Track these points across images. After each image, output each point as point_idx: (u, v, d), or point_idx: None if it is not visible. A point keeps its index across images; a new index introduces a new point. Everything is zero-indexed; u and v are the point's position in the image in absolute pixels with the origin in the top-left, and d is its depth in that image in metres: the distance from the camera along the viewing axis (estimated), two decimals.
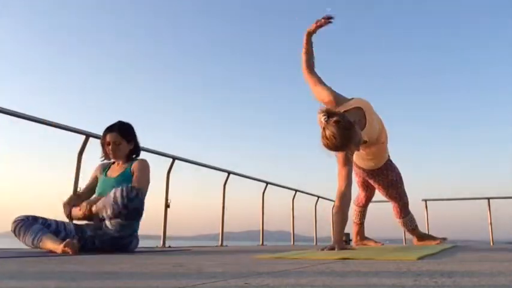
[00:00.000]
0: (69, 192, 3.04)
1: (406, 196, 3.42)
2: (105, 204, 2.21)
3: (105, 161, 2.63)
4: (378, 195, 3.56)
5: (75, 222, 2.41)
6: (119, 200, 2.14)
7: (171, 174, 4.27)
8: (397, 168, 3.33)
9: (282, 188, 6.49)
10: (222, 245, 4.82)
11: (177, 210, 4.33)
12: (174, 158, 4.30)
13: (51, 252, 2.05)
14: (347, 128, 2.27)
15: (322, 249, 2.20)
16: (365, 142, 2.69)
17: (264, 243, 5.86)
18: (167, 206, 4.14)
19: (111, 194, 2.19)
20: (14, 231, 2.24)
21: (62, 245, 2.04)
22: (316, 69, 2.77)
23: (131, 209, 2.16)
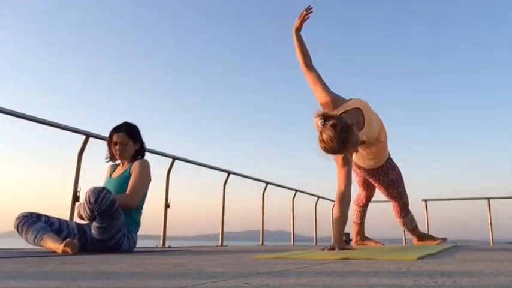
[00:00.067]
0: (69, 192, 3.04)
1: (406, 195, 3.42)
2: (80, 209, 2.21)
3: (116, 162, 2.64)
4: (378, 195, 3.56)
5: (77, 221, 2.41)
6: (87, 204, 2.11)
7: (171, 174, 4.28)
8: (397, 167, 3.33)
9: (282, 188, 6.49)
10: (222, 245, 4.82)
11: (177, 210, 4.33)
12: (174, 158, 4.31)
13: (53, 252, 2.05)
14: (344, 131, 2.26)
15: (322, 249, 2.20)
16: (364, 142, 2.69)
17: (264, 243, 5.86)
18: (167, 206, 4.14)
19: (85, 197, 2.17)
20: (17, 228, 2.25)
21: (62, 245, 2.05)
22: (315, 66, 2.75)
23: (102, 210, 2.10)
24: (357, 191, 3.64)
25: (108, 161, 2.63)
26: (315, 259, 1.60)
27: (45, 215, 2.32)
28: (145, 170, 2.49)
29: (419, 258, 1.56)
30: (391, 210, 3.54)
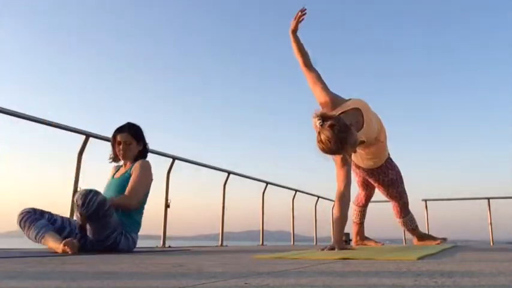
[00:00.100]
0: (69, 192, 3.04)
1: (406, 195, 3.42)
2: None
3: (120, 163, 2.64)
4: (378, 195, 3.56)
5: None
6: (76, 208, 2.11)
7: (171, 174, 4.28)
8: (397, 167, 3.33)
9: (282, 188, 6.49)
10: (222, 245, 4.82)
11: (177, 210, 4.33)
12: (174, 158, 4.30)
13: (55, 253, 2.06)
14: (342, 131, 2.26)
15: (322, 249, 2.20)
16: (363, 142, 2.69)
17: (264, 243, 5.86)
18: (167, 206, 4.14)
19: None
20: (20, 223, 2.25)
21: (61, 244, 2.05)
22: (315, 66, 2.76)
23: (90, 213, 2.09)
24: (356, 191, 3.64)
25: (111, 161, 2.64)
26: (315, 259, 1.60)
27: (48, 212, 2.33)
28: (145, 170, 2.49)
29: (419, 258, 1.56)
30: (391, 210, 3.54)
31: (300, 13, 2.77)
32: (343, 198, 2.45)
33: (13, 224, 2.28)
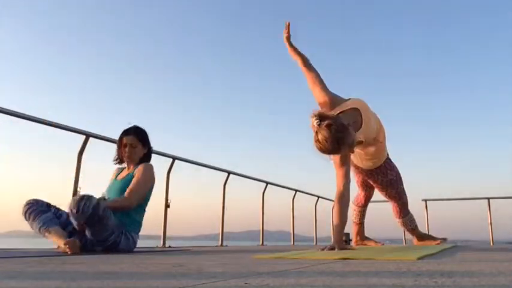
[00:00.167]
0: (69, 192, 3.04)
1: (405, 195, 3.42)
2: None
3: (123, 165, 2.67)
4: (378, 195, 3.56)
5: None
6: (71, 216, 2.11)
7: (171, 174, 4.28)
8: (396, 167, 3.32)
9: (282, 188, 6.49)
10: (222, 245, 4.82)
11: (177, 210, 4.33)
12: (174, 158, 4.30)
13: (57, 248, 2.07)
14: (339, 131, 2.25)
15: (322, 249, 2.20)
16: (361, 142, 2.69)
17: (264, 243, 5.86)
18: (167, 206, 4.14)
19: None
20: (25, 214, 2.25)
21: (63, 242, 2.08)
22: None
23: (87, 218, 2.09)
24: (356, 191, 3.63)
25: (116, 163, 2.67)
26: (315, 259, 1.60)
27: (54, 206, 2.34)
28: (147, 172, 2.51)
29: (419, 258, 1.56)
30: (391, 210, 3.54)
31: (287, 24, 2.85)
32: (343, 198, 2.45)
33: (13, 224, 2.28)
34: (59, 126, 3.08)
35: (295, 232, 6.81)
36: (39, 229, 2.19)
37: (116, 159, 2.65)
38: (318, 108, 2.55)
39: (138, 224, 2.48)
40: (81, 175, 3.17)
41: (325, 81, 2.67)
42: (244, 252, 2.51)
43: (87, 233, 2.19)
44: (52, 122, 3.03)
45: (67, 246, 2.04)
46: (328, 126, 2.24)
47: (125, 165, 2.66)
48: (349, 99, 2.66)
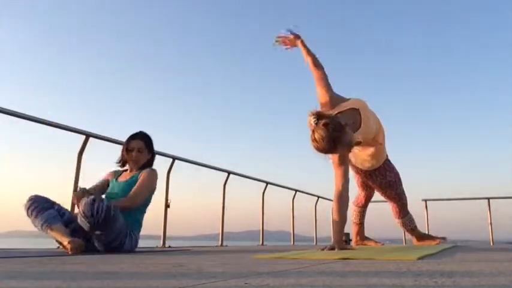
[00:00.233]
0: (69, 192, 3.04)
1: (404, 196, 3.41)
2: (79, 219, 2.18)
3: (119, 169, 2.70)
4: (378, 195, 3.56)
5: None
6: (84, 219, 2.10)
7: (171, 174, 4.28)
8: (395, 169, 3.32)
9: (282, 188, 6.49)
10: (222, 245, 4.82)
11: (177, 210, 4.33)
12: (174, 158, 4.30)
13: (57, 247, 2.07)
14: (336, 131, 2.25)
15: (322, 249, 2.20)
16: (359, 143, 2.69)
17: (264, 243, 5.86)
18: (167, 206, 4.14)
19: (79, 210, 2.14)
20: (27, 210, 2.23)
21: (67, 240, 2.08)
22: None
23: (101, 221, 2.09)
24: (356, 192, 3.63)
25: (119, 165, 2.70)
26: (315, 259, 1.60)
27: (58, 204, 2.34)
28: (151, 177, 2.57)
29: (419, 258, 1.56)
30: (390, 210, 3.54)
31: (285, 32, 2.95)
32: (342, 198, 2.45)
33: (13, 224, 2.28)
34: (59, 126, 3.08)
35: (295, 232, 6.81)
36: (42, 226, 2.18)
37: (119, 162, 2.68)
38: (319, 108, 2.55)
39: (139, 224, 2.50)
40: (81, 175, 3.17)
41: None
42: (244, 252, 2.51)
43: (96, 234, 2.18)
44: (52, 122, 3.03)
45: (71, 245, 2.04)
46: (325, 125, 2.24)
47: (125, 168, 2.70)
48: (350, 99, 2.66)
